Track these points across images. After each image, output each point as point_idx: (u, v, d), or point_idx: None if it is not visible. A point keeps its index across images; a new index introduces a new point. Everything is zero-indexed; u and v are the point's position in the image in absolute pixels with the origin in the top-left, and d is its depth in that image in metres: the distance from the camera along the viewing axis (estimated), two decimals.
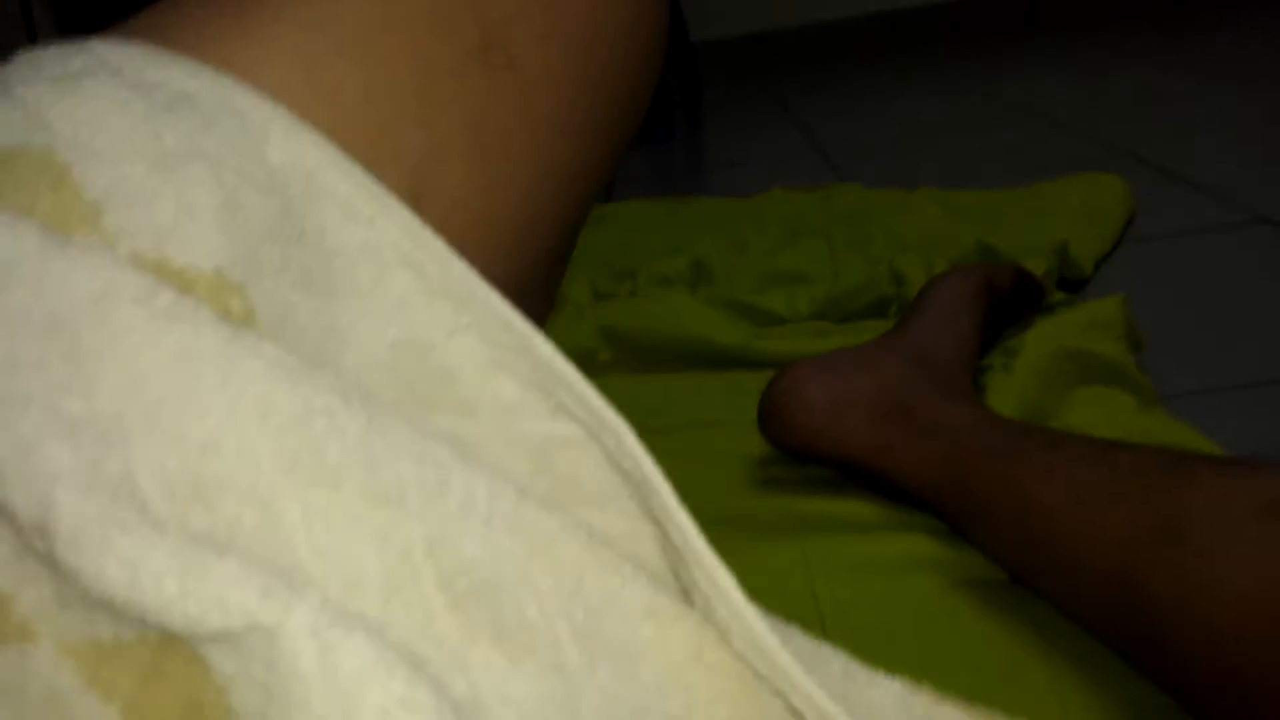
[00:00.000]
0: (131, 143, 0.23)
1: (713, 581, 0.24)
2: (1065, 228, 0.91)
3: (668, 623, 0.24)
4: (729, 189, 1.24)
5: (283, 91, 0.26)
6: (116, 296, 0.20)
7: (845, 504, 0.63)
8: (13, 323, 0.20)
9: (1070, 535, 0.47)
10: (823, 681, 0.24)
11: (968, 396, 0.63)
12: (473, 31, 0.29)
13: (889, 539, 0.60)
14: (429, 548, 0.21)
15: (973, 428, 0.58)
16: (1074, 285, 0.87)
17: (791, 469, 0.67)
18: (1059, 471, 0.50)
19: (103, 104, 0.23)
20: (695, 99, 1.95)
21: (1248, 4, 2.11)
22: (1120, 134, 1.32)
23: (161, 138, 0.23)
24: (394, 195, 0.25)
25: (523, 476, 0.26)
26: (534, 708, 0.21)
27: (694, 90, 1.96)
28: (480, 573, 0.22)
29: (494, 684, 0.21)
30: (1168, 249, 0.94)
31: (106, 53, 0.25)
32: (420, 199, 0.27)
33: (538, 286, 0.34)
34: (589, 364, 0.82)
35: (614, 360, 0.84)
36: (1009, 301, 0.76)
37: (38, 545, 0.19)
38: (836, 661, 0.26)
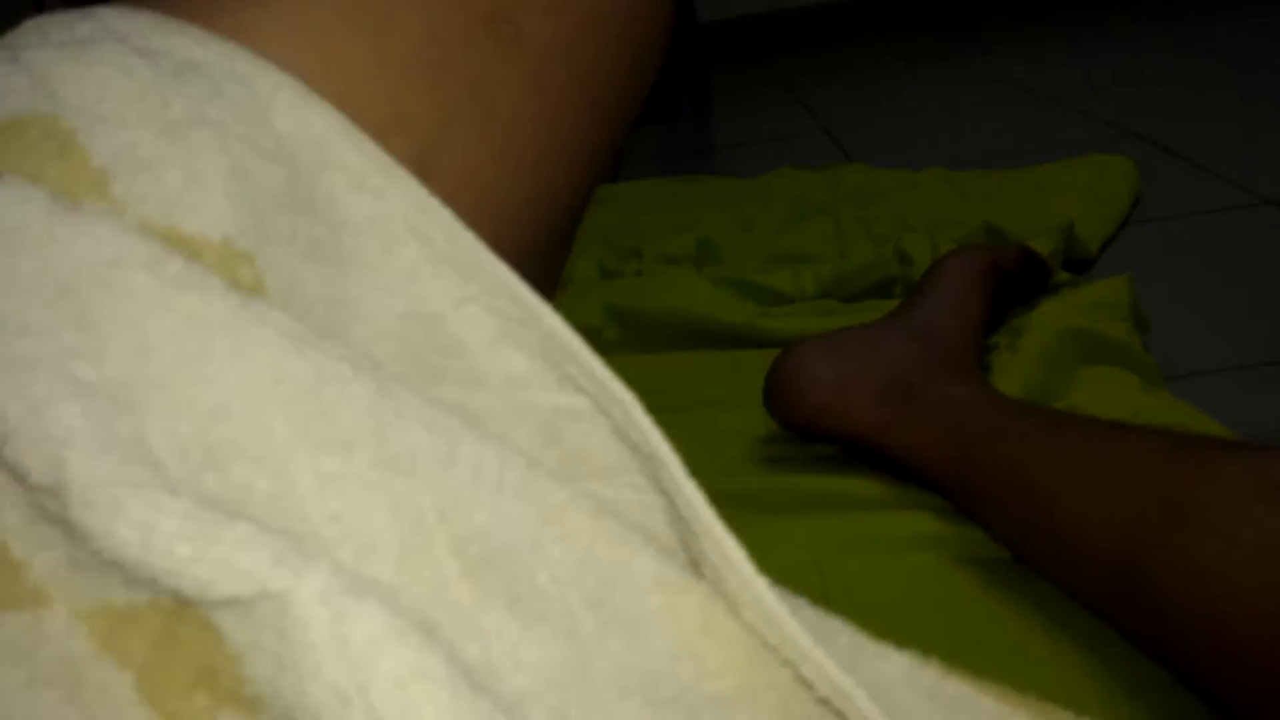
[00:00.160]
0: (139, 110, 0.23)
1: (722, 553, 0.24)
2: (1071, 208, 0.91)
3: (677, 593, 0.24)
4: (736, 169, 1.24)
5: (291, 60, 0.25)
6: (125, 264, 0.20)
7: (850, 482, 0.63)
8: (22, 289, 0.20)
9: (1074, 516, 0.47)
10: (831, 654, 0.24)
11: (973, 376, 0.63)
12: (481, 3, 0.29)
13: (893, 517, 0.60)
14: (441, 515, 0.21)
15: (977, 407, 0.58)
16: (1080, 266, 0.87)
17: (796, 447, 0.67)
18: (1063, 452, 0.50)
19: (110, 71, 0.23)
20: (702, 79, 1.94)
21: None
22: (1127, 115, 1.32)
23: (169, 105, 0.23)
24: (403, 165, 0.25)
25: (532, 448, 0.26)
26: (547, 673, 0.21)
27: (701, 70, 1.95)
28: (492, 540, 0.22)
29: (507, 650, 0.21)
30: (1174, 230, 0.93)
31: (113, 19, 0.25)
32: (428, 170, 0.27)
33: (545, 261, 0.34)
34: (595, 342, 0.81)
35: (620, 338, 0.83)
36: (1015, 282, 0.76)
37: (51, 507, 0.19)
38: (844, 634, 0.26)
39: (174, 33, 0.25)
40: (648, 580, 0.23)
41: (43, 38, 0.24)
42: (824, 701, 0.24)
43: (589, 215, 0.38)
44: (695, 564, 0.25)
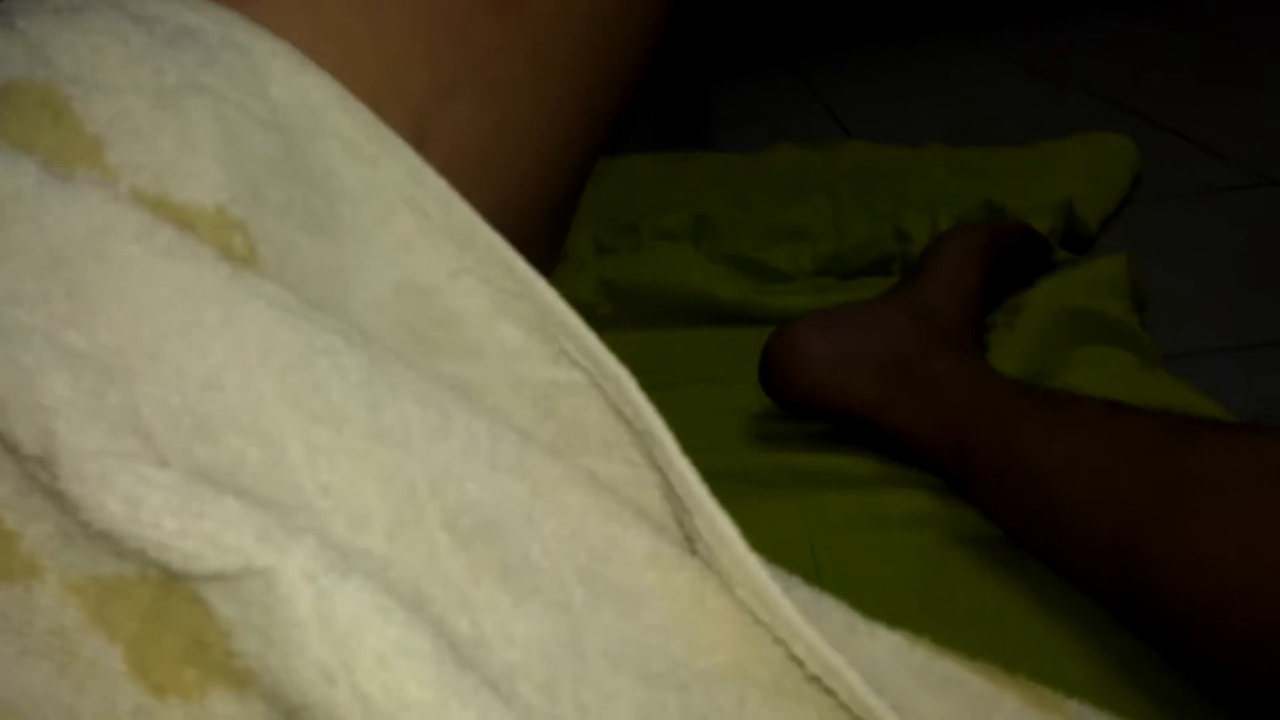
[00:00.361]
0: (133, 77, 0.23)
1: (715, 530, 0.24)
2: (1071, 186, 0.91)
3: (670, 569, 0.24)
4: (735, 145, 1.23)
5: (287, 28, 0.25)
6: (116, 233, 0.20)
7: (844, 459, 0.63)
8: (13, 258, 0.20)
9: (1070, 496, 0.47)
10: (822, 632, 0.24)
11: (970, 354, 0.63)
12: None
13: (887, 495, 0.60)
14: (433, 487, 0.21)
15: (973, 386, 0.58)
16: (1079, 244, 0.87)
17: (791, 424, 0.67)
18: (1060, 432, 0.50)
19: (104, 38, 0.23)
20: (703, 54, 1.93)
21: None
22: (1128, 93, 1.31)
23: (163, 72, 0.23)
24: (399, 135, 0.25)
25: (527, 422, 0.26)
26: (538, 647, 0.21)
27: (701, 45, 1.93)
28: (484, 513, 0.22)
29: (499, 623, 0.21)
30: (1174, 209, 0.93)
31: None
32: (425, 139, 0.27)
33: (544, 234, 0.34)
34: (589, 318, 0.80)
35: (615, 314, 0.83)
36: (1015, 260, 0.76)
37: (42, 478, 0.19)
38: (837, 613, 0.26)
39: None
40: (640, 556, 0.23)
41: (38, 3, 0.24)
42: (814, 679, 0.24)
43: (585, 190, 0.38)
44: (689, 540, 0.25)
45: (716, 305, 0.81)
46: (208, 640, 0.19)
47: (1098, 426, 0.48)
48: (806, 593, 0.26)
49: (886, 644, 0.26)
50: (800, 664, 0.24)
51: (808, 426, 0.66)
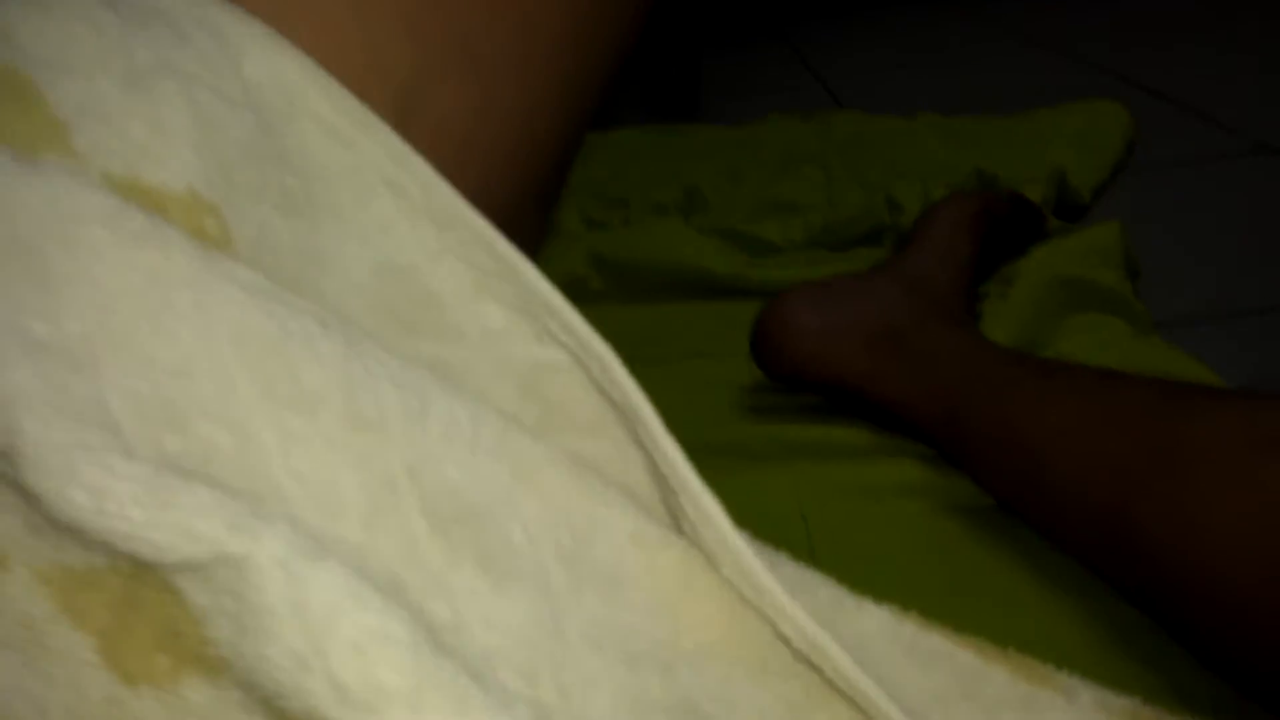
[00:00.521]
0: (103, 60, 0.22)
1: (699, 509, 0.24)
2: (1064, 155, 0.90)
3: (655, 549, 0.23)
4: (725, 117, 1.22)
5: (261, 5, 0.25)
6: (84, 219, 0.20)
7: (836, 431, 0.63)
8: None
9: (1062, 465, 0.47)
10: (810, 608, 0.23)
11: (963, 324, 0.63)
12: None
13: (879, 465, 0.60)
14: (411, 473, 0.21)
15: (966, 355, 0.57)
16: (1072, 213, 0.86)
17: (783, 397, 0.67)
18: (1052, 401, 0.50)
19: (73, 20, 0.22)
20: (693, 25, 1.91)
21: None
22: (1120, 60, 1.30)
23: (134, 55, 0.22)
24: (379, 114, 0.24)
25: (511, 403, 0.25)
26: (518, 631, 0.21)
27: (691, 16, 1.92)
28: (464, 498, 0.21)
29: (478, 608, 0.21)
30: (1167, 176, 0.93)
31: None
32: (407, 118, 0.26)
33: (531, 212, 0.33)
34: (580, 292, 0.81)
35: (606, 289, 0.83)
36: (1008, 229, 0.76)
37: (5, 470, 0.19)
38: (824, 589, 0.26)
39: None
40: (624, 536, 0.23)
41: None
42: (801, 656, 0.24)
43: (574, 164, 0.37)
44: (674, 520, 0.25)
45: (708, 279, 0.81)
46: (181, 628, 0.19)
47: (1090, 395, 0.48)
48: (793, 569, 0.26)
49: (874, 619, 0.26)
50: (787, 642, 0.24)
51: (800, 399, 0.66)
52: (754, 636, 0.24)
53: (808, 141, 1.00)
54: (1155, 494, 0.42)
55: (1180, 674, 0.44)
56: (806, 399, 0.66)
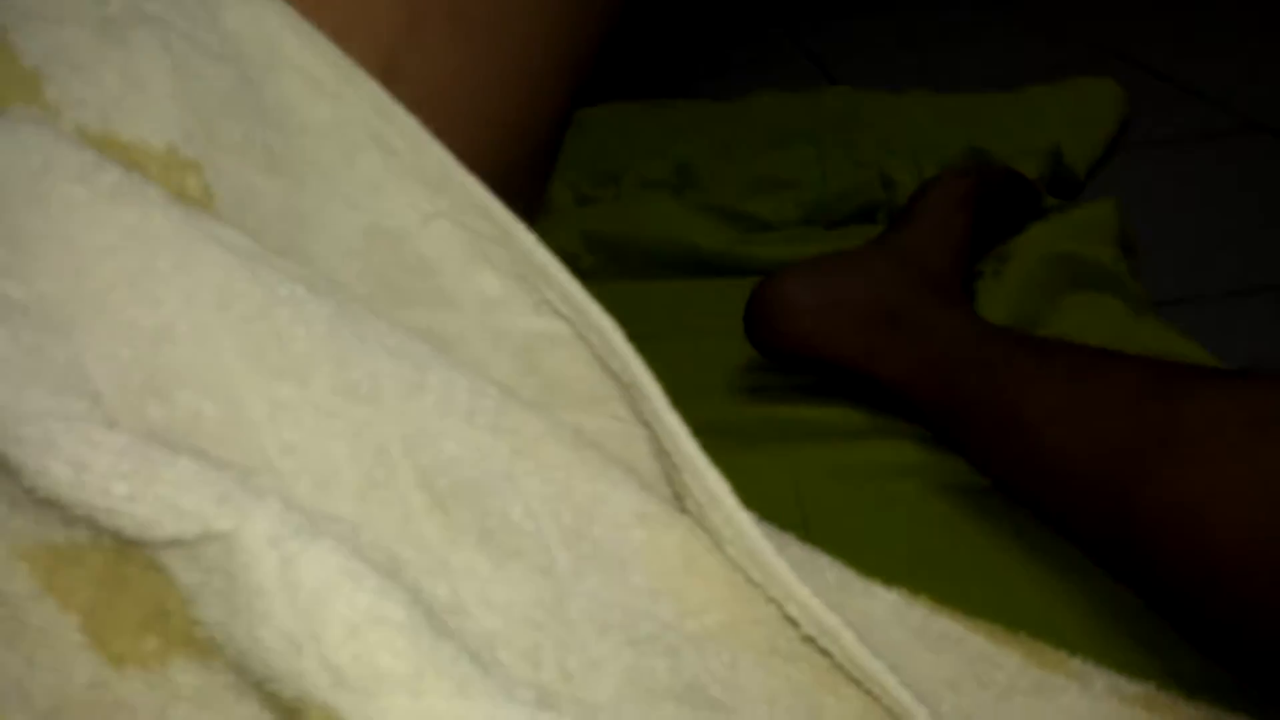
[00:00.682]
0: (73, 6, 0.21)
1: (705, 487, 0.23)
2: (1058, 132, 0.90)
3: (659, 528, 0.23)
4: (717, 93, 1.21)
5: None
6: (57, 174, 0.19)
7: (830, 410, 0.62)
8: None
9: (1058, 444, 0.47)
10: (817, 590, 0.23)
11: (957, 302, 0.62)
12: None
13: (874, 445, 0.59)
14: (406, 446, 0.20)
15: (960, 333, 0.57)
16: (1067, 190, 0.86)
17: (776, 376, 0.66)
18: (1048, 379, 0.49)
19: None
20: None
21: None
22: (1114, 37, 1.29)
23: (106, 1, 0.21)
24: (364, 68, 0.23)
25: (508, 376, 0.24)
26: (520, 613, 0.20)
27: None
28: (462, 472, 0.20)
29: (477, 589, 0.20)
30: (1161, 154, 0.92)
31: None
32: (394, 74, 0.25)
33: (523, 182, 0.32)
34: (571, 269, 0.80)
35: (597, 266, 0.82)
36: (1002, 206, 0.75)
37: None
38: (831, 571, 0.25)
39: None
40: (628, 515, 0.22)
41: None
42: (809, 640, 0.23)
43: (564, 141, 0.36)
44: (678, 498, 0.24)
45: (700, 256, 0.80)
46: (168, 608, 0.18)
47: (1087, 374, 0.47)
48: (800, 551, 0.25)
49: (883, 602, 0.25)
50: (795, 624, 0.23)
51: (793, 378, 0.65)
52: (761, 619, 0.23)
53: (799, 117, 0.99)
54: (1153, 474, 0.41)
55: (1173, 653, 0.44)
56: (800, 378, 0.65)
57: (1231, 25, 1.30)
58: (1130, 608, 0.46)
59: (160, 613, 0.19)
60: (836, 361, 0.61)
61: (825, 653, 0.23)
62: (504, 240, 0.24)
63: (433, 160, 0.23)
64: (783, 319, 0.63)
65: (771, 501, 0.54)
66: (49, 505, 0.18)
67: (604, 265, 0.82)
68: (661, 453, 0.24)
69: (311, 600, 0.17)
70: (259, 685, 0.18)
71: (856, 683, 0.23)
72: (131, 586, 0.19)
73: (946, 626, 0.25)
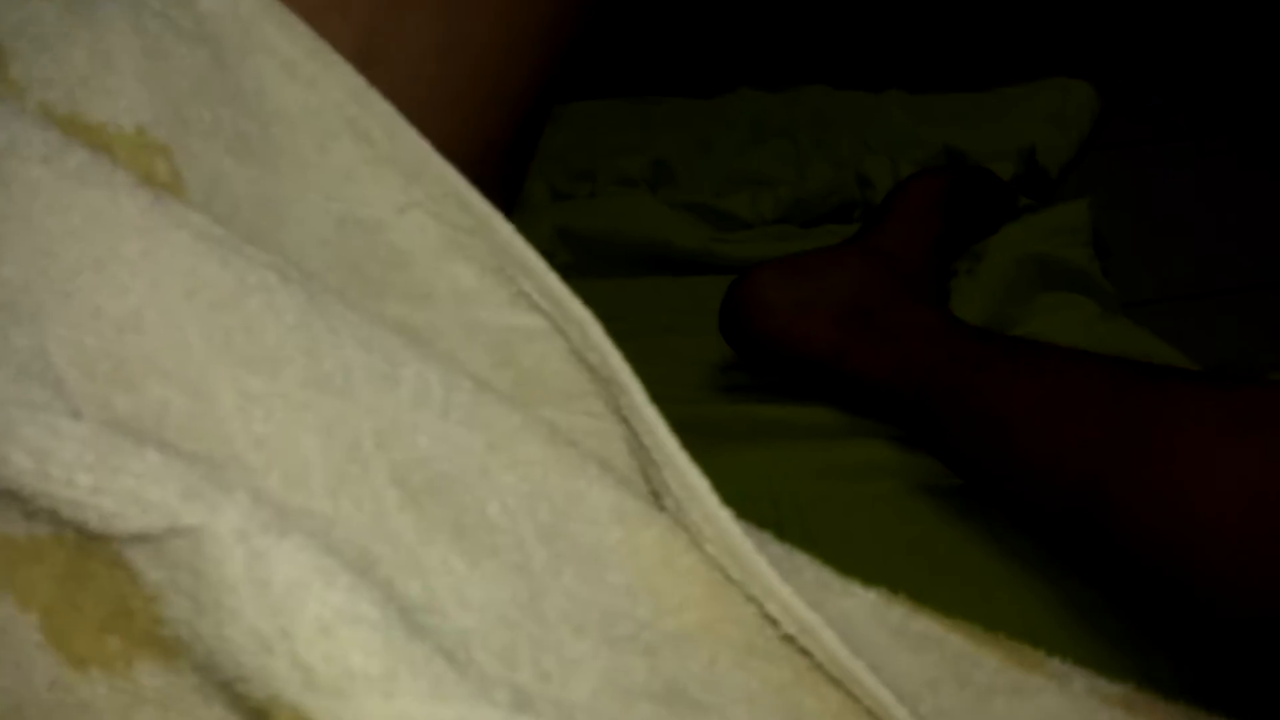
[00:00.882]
0: None
1: (685, 484, 0.23)
2: (1032, 132, 0.90)
3: (636, 526, 0.22)
4: (693, 90, 1.21)
5: None
6: (21, 154, 0.18)
7: (806, 410, 0.62)
8: None
9: (1031, 444, 0.47)
10: (797, 589, 0.22)
11: (932, 301, 0.63)
12: None
13: (848, 445, 0.59)
14: (379, 439, 0.19)
15: (936, 332, 0.57)
16: (1040, 190, 0.86)
17: (752, 374, 0.66)
18: (1021, 379, 0.49)
19: None
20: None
21: None
22: (1088, 39, 1.30)
23: None
24: (341, 51, 0.23)
25: (483, 369, 0.24)
26: (495, 611, 0.20)
27: None
28: (436, 467, 0.20)
29: (452, 586, 0.19)
30: (1135, 155, 0.93)
31: None
32: (371, 58, 0.24)
33: (501, 173, 0.32)
34: None
35: (572, 262, 0.81)
36: (978, 206, 0.75)
37: None
38: (810, 570, 0.25)
39: None
40: (605, 512, 0.22)
41: None
42: (789, 639, 0.22)
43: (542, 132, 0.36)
44: (656, 495, 0.24)
45: (675, 253, 0.80)
46: (132, 606, 0.18)
47: (1060, 374, 0.48)
48: (779, 549, 0.24)
49: (862, 602, 0.25)
50: (774, 623, 0.23)
51: (769, 377, 0.65)
52: (740, 618, 0.22)
53: (776, 115, 0.99)
54: (1126, 474, 0.41)
55: (1142, 651, 0.44)
56: (775, 377, 0.65)
57: (1203, 27, 1.31)
58: (1103, 608, 0.46)
59: (124, 612, 0.18)
60: (811, 359, 0.61)
61: (805, 652, 0.22)
62: (481, 232, 0.23)
63: (409, 149, 0.23)
64: (758, 317, 0.63)
65: (747, 501, 0.54)
66: (9, 497, 0.17)
67: (579, 262, 0.82)
68: (639, 449, 0.24)
69: (282, 598, 0.16)
70: (227, 686, 0.18)
71: (836, 682, 0.22)
72: (94, 584, 0.18)
73: (926, 626, 0.25)
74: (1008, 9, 1.54)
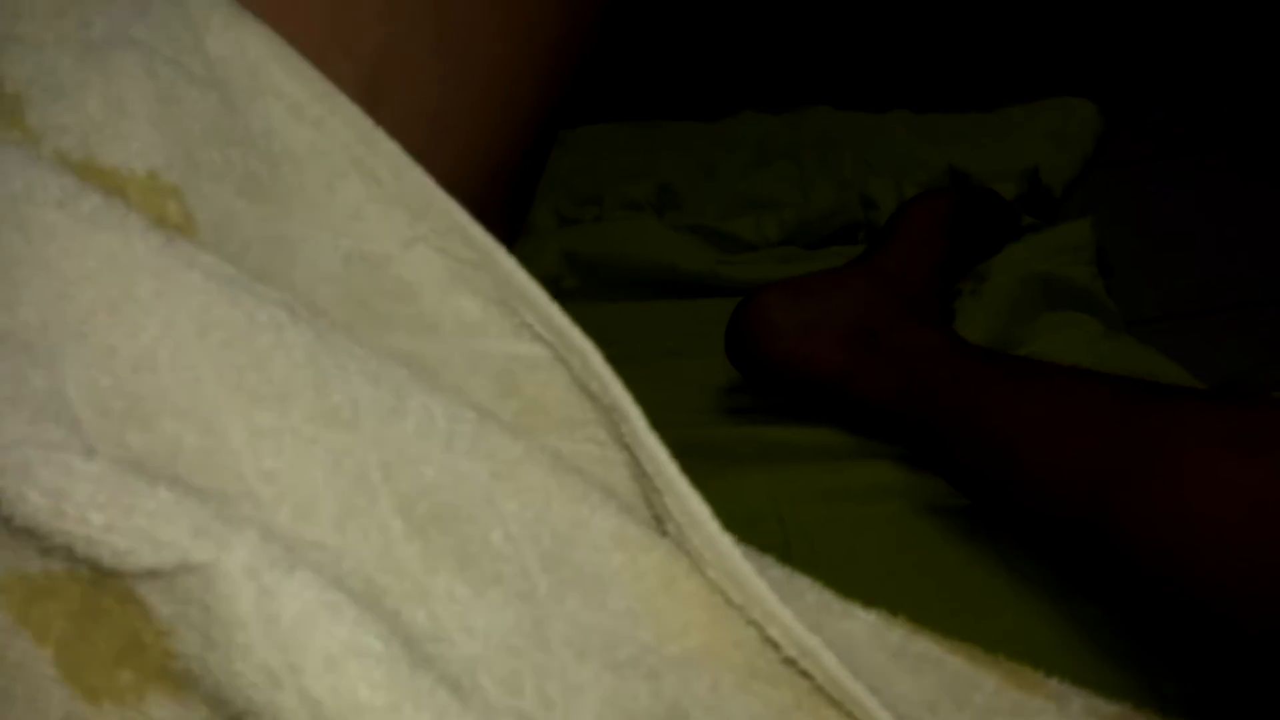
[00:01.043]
0: (56, 30, 0.21)
1: (685, 510, 0.23)
2: (1036, 152, 0.90)
3: (638, 551, 0.23)
4: (697, 113, 1.21)
5: None
6: (37, 200, 0.19)
7: (812, 431, 0.62)
8: None
9: (1036, 464, 0.47)
10: (797, 612, 0.23)
11: (936, 321, 0.63)
12: None
13: (855, 467, 0.59)
14: (385, 471, 0.20)
15: (940, 353, 0.57)
16: (1044, 209, 0.86)
17: (758, 396, 0.66)
18: (1026, 399, 0.49)
19: None
20: (664, 17, 1.90)
21: None
22: (1090, 57, 1.31)
23: (90, 25, 0.21)
24: (345, 91, 0.23)
25: (487, 399, 0.24)
26: (499, 638, 0.20)
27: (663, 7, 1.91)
28: (441, 497, 0.20)
29: (458, 614, 0.20)
30: (1137, 173, 0.93)
31: None
32: (377, 96, 0.25)
33: (505, 202, 0.32)
34: (553, 291, 0.79)
35: (579, 287, 0.82)
36: (981, 227, 0.76)
37: None
38: (811, 592, 0.25)
39: None
40: (607, 538, 0.22)
41: None
42: (790, 662, 0.23)
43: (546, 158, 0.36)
44: (658, 521, 0.24)
45: (681, 276, 0.80)
46: (144, 640, 0.18)
47: (1064, 393, 0.48)
48: (780, 573, 0.25)
49: (863, 624, 0.25)
50: (775, 646, 0.23)
51: (775, 399, 0.65)
52: (742, 641, 0.23)
53: (780, 136, 1.00)
54: (1130, 493, 0.41)
55: (1148, 672, 0.44)
56: (782, 399, 0.65)
57: (1204, 43, 1.31)
58: (1109, 628, 0.46)
59: (136, 645, 0.18)
60: (817, 380, 0.61)
61: (806, 674, 0.23)
62: (484, 265, 0.24)
63: (414, 185, 0.23)
64: (763, 339, 0.63)
65: (753, 522, 0.55)
66: (25, 534, 0.18)
67: (586, 286, 0.82)
68: (641, 475, 0.24)
69: (290, 633, 0.17)
70: (236, 719, 0.18)
71: (837, 704, 0.23)
72: (107, 619, 0.18)
73: (925, 648, 0.25)
74: (1010, 28, 1.54)
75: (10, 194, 0.19)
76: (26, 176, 0.19)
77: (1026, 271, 0.73)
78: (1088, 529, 0.44)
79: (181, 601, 0.17)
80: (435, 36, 0.27)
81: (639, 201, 0.91)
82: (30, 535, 0.17)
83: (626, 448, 0.24)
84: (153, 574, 0.17)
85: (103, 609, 0.18)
